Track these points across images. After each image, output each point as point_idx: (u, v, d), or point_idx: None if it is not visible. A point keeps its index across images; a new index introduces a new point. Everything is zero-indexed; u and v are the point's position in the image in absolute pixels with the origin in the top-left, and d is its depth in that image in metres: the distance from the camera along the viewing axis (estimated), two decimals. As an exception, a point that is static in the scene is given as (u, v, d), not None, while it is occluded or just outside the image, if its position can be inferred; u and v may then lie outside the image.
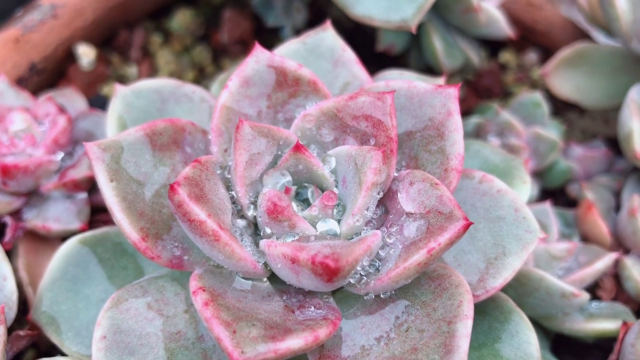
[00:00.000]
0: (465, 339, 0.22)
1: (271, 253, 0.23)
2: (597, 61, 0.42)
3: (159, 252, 0.24)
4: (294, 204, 0.25)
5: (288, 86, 0.27)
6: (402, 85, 0.27)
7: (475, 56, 0.42)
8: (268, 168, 0.25)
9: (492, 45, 0.49)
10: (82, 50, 0.39)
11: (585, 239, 0.37)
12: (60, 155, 0.31)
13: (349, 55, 0.29)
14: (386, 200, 0.26)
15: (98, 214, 0.32)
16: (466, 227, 0.23)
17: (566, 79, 0.42)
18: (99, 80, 0.39)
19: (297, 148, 0.25)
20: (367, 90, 0.26)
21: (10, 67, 0.35)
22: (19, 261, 0.30)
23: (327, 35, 0.30)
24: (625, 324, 0.32)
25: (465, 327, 0.23)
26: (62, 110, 0.31)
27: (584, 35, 0.47)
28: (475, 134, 0.40)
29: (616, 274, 0.37)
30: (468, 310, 0.23)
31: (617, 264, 0.36)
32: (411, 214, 0.24)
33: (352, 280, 0.24)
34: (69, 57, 0.39)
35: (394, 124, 0.25)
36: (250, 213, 0.25)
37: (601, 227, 0.36)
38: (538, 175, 0.41)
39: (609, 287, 0.37)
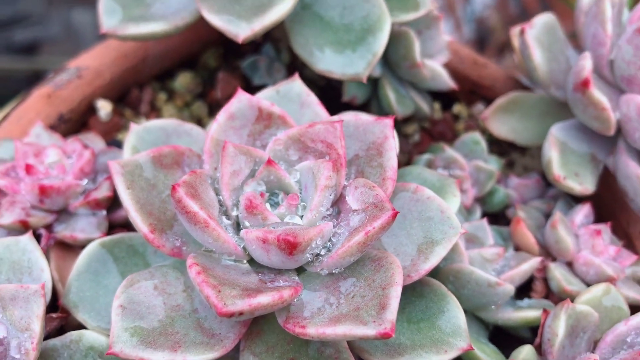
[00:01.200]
0: (395, 299, 0.29)
1: (248, 237, 0.31)
2: (527, 106, 0.50)
3: (163, 242, 0.32)
4: (267, 205, 0.33)
5: (263, 120, 0.35)
6: (351, 117, 0.35)
7: (425, 105, 0.50)
8: (247, 179, 0.33)
9: (447, 100, 0.58)
10: (101, 104, 0.47)
11: (517, 249, 0.45)
12: (85, 181, 0.39)
13: (313, 98, 0.38)
14: (339, 203, 0.34)
15: (114, 229, 0.40)
16: (394, 215, 0.30)
17: (503, 122, 0.50)
18: (114, 129, 0.48)
19: (269, 163, 0.33)
20: (323, 121, 0.35)
21: (44, 116, 0.44)
22: (51, 264, 0.37)
23: (295, 85, 0.38)
24: (545, 311, 0.39)
25: (395, 291, 0.30)
26: (86, 146, 0.40)
27: (522, 87, 0.56)
28: (427, 167, 0.49)
29: (545, 278, 0.44)
30: (398, 279, 0.30)
31: (546, 270, 0.44)
32: (355, 210, 0.32)
33: (310, 257, 0.31)
34: (90, 109, 0.48)
35: (342, 145, 0.33)
36: (233, 213, 0.33)
37: (529, 237, 0.43)
38: (480, 201, 0.48)
39: (539, 289, 0.44)
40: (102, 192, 0.38)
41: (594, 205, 0.50)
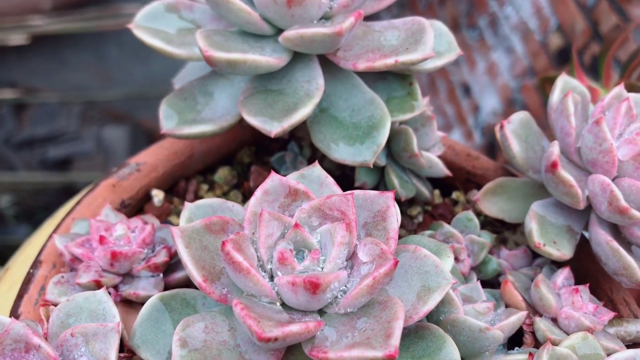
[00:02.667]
0: (398, 329, 0.37)
1: (280, 283, 0.39)
2: (512, 189, 0.59)
3: (213, 290, 0.40)
4: (295, 259, 0.41)
5: (291, 195, 0.44)
6: (360, 192, 0.44)
7: (425, 189, 0.59)
8: (278, 239, 0.42)
9: (446, 187, 0.67)
10: (155, 193, 0.57)
11: (507, 306, 0.52)
12: (146, 249, 0.48)
13: (330, 180, 0.47)
14: (352, 259, 0.42)
15: (168, 289, 0.48)
16: (395, 263, 0.39)
17: (492, 203, 0.59)
18: (165, 213, 0.57)
19: (296, 226, 0.42)
20: (338, 194, 0.44)
21: (110, 202, 0.54)
22: (117, 317, 0.45)
23: (315, 169, 0.48)
24: (531, 354, 0.45)
25: (398, 324, 0.37)
26: (146, 222, 0.49)
27: (510, 174, 0.65)
28: (429, 241, 0.57)
29: (534, 332, 0.50)
30: (401, 315, 0.38)
31: (533, 324, 0.50)
32: (365, 262, 0.40)
33: (329, 299, 0.39)
34: (146, 197, 0.57)
35: (353, 211, 0.42)
36: (268, 266, 0.41)
37: (516, 295, 0.50)
38: (475, 269, 0.56)
39: (529, 342, 0.50)
40: (160, 258, 0.47)
41: (580, 272, 0.57)
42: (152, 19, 0.52)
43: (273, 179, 0.44)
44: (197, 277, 0.40)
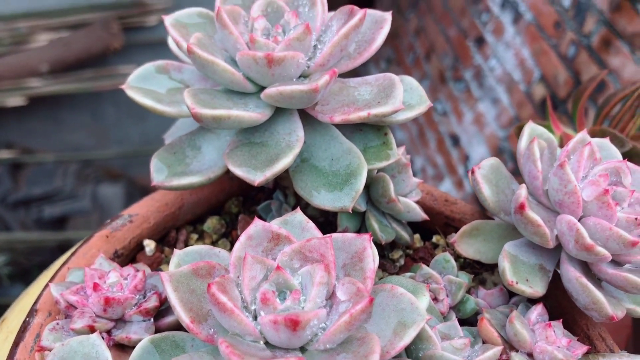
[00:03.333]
0: (374, 363, 0.39)
1: (263, 322, 0.41)
2: (487, 231, 0.62)
3: (200, 330, 0.42)
4: (277, 299, 0.44)
5: (274, 239, 0.47)
6: (338, 235, 0.47)
7: (405, 233, 0.62)
8: (262, 281, 0.44)
9: (427, 232, 0.70)
10: (147, 243, 0.60)
11: (485, 342, 0.54)
12: (138, 295, 0.50)
13: (311, 225, 0.50)
14: (332, 299, 0.44)
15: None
16: (371, 300, 0.41)
17: (469, 245, 0.62)
18: (156, 262, 0.60)
19: (278, 268, 0.44)
20: (317, 237, 0.47)
21: (104, 252, 0.56)
22: (110, 360, 0.47)
23: (297, 215, 0.51)
24: (505, 387, 0.47)
25: (374, 357, 0.39)
26: (138, 270, 0.52)
27: (487, 217, 0.68)
28: (409, 283, 0.59)
29: (510, 367, 0.52)
30: (377, 349, 0.40)
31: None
32: (343, 300, 0.43)
33: (310, 336, 0.41)
34: (139, 247, 0.60)
35: (332, 253, 0.45)
36: (252, 307, 0.44)
37: (492, 332, 0.53)
38: (454, 308, 0.58)
39: (506, 377, 0.52)
40: (151, 303, 0.49)
41: (556, 309, 0.59)
42: (144, 79, 0.56)
43: (257, 224, 0.47)
44: (185, 318, 0.42)
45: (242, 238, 0.46)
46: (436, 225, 0.68)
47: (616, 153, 0.62)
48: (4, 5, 3.30)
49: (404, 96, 0.56)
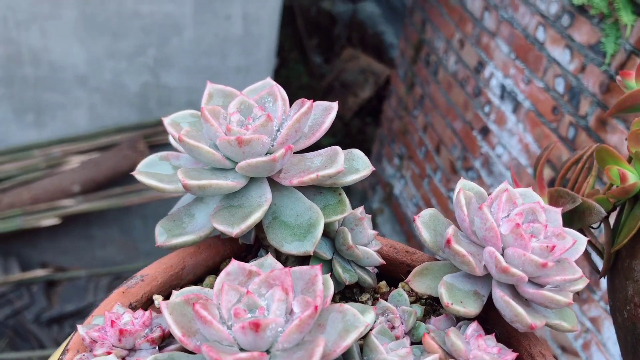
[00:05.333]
0: (319, 353, 0.52)
1: (235, 329, 0.55)
2: (435, 270, 0.76)
3: (189, 342, 0.57)
4: (247, 314, 0.58)
5: (247, 275, 0.62)
6: (297, 268, 0.62)
7: (367, 276, 0.76)
8: (236, 303, 0.59)
9: (394, 280, 0.84)
10: (155, 297, 0.75)
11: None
12: (146, 329, 0.65)
13: (279, 264, 0.65)
14: (290, 314, 0.59)
15: (162, 360, 0.64)
16: (316, 307, 0.55)
17: (421, 282, 0.75)
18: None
19: (248, 293, 0.59)
20: (279, 269, 0.61)
21: (120, 304, 0.72)
22: (124, 378, 0.61)
23: (268, 258, 0.66)
24: (438, 381, 0.59)
25: (319, 349, 0.53)
26: (146, 310, 0.67)
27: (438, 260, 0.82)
28: (371, 316, 0.72)
29: (450, 373, 0.64)
30: (321, 343, 0.54)
31: (449, 367, 0.64)
32: (297, 312, 0.57)
33: (271, 339, 0.55)
34: (149, 301, 0.75)
35: (289, 279, 0.59)
36: (229, 323, 0.58)
37: (433, 344, 0.65)
38: (408, 334, 0.71)
39: (447, 381, 0.64)
40: (156, 334, 0.64)
41: (502, 335, 0.72)
42: (150, 166, 0.73)
43: (233, 264, 0.62)
44: (177, 333, 0.57)
45: (222, 274, 0.62)
46: (400, 273, 0.82)
47: (537, 198, 0.76)
48: (40, 134, 3.63)
49: (354, 163, 0.73)
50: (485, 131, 3.26)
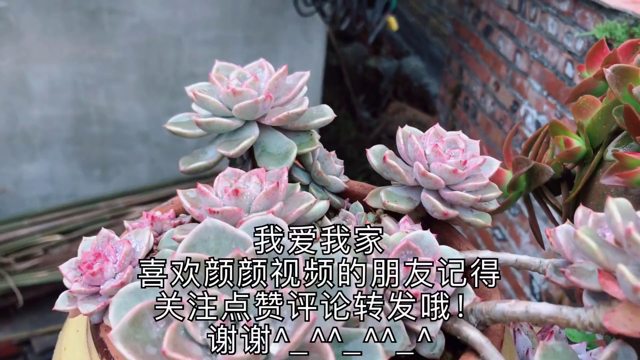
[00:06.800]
0: None
1: (224, 199, 0.86)
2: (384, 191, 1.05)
3: (195, 211, 0.88)
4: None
5: (237, 175, 0.94)
6: (272, 170, 0.94)
7: (337, 199, 1.06)
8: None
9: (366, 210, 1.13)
10: (181, 215, 1.08)
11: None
12: (171, 220, 0.97)
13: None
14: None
15: None
16: (277, 184, 0.86)
17: (374, 200, 1.04)
18: (186, 226, 1.07)
19: (235, 182, 0.91)
20: (257, 169, 0.93)
21: (154, 210, 1.05)
22: None
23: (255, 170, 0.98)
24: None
25: (279, 207, 0.83)
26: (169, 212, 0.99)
27: (397, 195, 1.11)
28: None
29: (383, 245, 0.92)
30: (279, 205, 0.84)
31: (383, 241, 0.92)
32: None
33: (247, 202, 0.86)
34: (176, 216, 1.08)
35: (264, 173, 0.91)
36: (221, 196, 0.89)
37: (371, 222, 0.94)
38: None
39: (380, 250, 0.92)
40: (176, 221, 0.96)
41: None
42: (176, 120, 1.08)
43: (228, 169, 0.94)
44: (187, 205, 0.89)
45: (220, 175, 0.94)
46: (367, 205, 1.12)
47: (463, 136, 1.06)
48: (106, 187, 4.10)
49: (321, 112, 1.05)
50: (523, 167, 3.50)
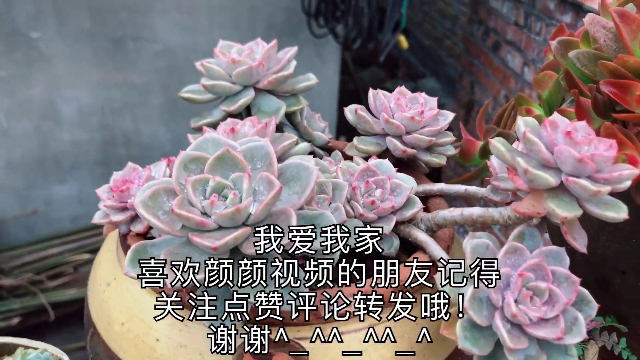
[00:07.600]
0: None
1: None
2: (364, 140, 1.30)
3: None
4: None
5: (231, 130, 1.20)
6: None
7: (321, 152, 1.32)
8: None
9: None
10: (192, 168, 1.34)
11: (342, 170, 1.19)
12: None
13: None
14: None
15: None
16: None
17: (352, 150, 1.30)
18: (197, 176, 1.33)
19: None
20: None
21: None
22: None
23: (247, 119, 1.24)
24: (338, 168, 1.12)
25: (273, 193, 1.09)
26: (184, 160, 1.26)
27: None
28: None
29: (354, 177, 1.16)
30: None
31: (354, 174, 1.17)
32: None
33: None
34: (188, 169, 1.34)
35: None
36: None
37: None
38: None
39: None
40: (187, 164, 1.23)
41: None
42: (191, 89, 1.35)
43: (227, 120, 1.21)
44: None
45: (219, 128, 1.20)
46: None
47: (423, 95, 1.30)
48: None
49: (308, 77, 1.31)
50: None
